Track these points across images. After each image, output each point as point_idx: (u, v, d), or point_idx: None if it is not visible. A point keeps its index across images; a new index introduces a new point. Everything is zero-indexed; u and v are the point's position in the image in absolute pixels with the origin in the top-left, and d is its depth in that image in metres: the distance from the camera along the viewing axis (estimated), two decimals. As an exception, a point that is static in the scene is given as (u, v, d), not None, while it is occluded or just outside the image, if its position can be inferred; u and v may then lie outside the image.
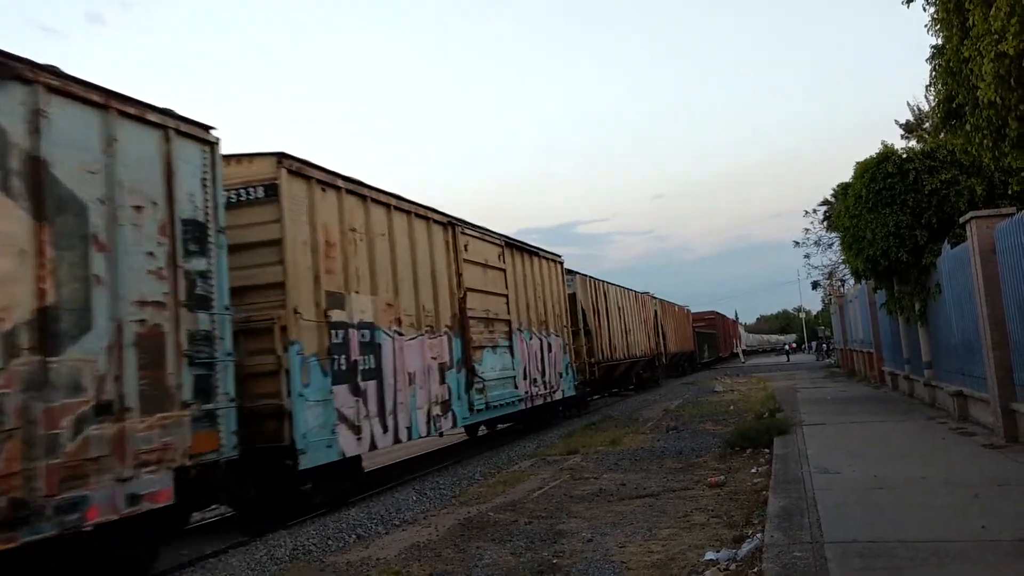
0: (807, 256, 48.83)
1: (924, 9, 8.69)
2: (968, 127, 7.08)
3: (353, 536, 9.10)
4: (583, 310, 24.61)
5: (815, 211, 45.22)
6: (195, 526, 10.49)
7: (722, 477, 10.47)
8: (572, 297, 23.33)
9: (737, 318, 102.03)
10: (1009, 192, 12.92)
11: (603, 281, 28.26)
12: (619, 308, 29.53)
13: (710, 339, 61.26)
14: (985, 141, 6.88)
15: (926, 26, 8.37)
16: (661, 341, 37.86)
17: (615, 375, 29.23)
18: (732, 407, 21.13)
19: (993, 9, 5.60)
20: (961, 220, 11.82)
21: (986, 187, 13.95)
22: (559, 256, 22.08)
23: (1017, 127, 5.94)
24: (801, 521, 6.97)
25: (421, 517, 9.84)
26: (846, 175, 17.66)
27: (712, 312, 67.43)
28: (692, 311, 60.88)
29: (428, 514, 10.00)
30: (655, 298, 38.13)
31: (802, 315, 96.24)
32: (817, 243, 46.47)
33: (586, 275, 25.98)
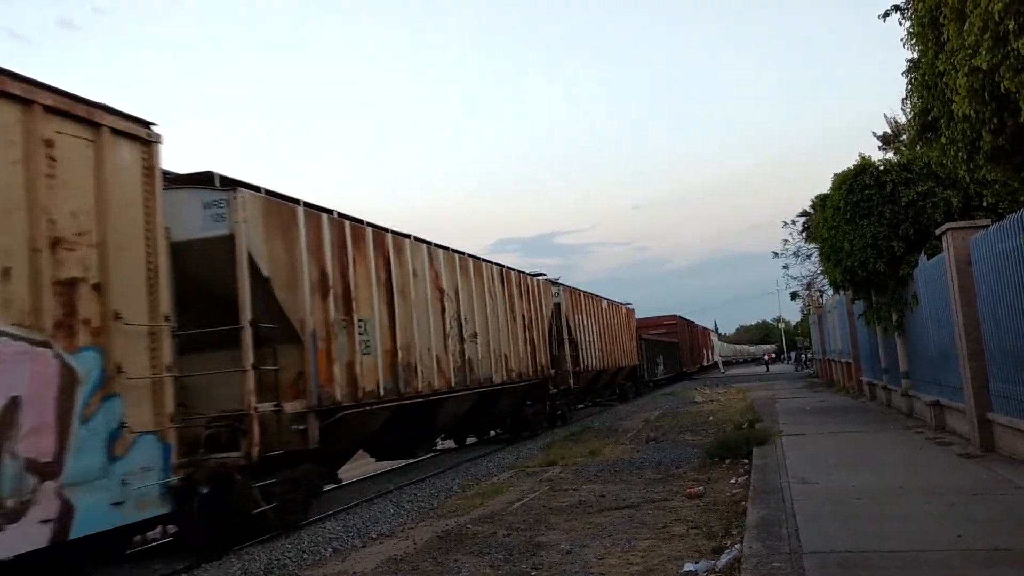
0: (786, 267, 49.40)
1: (900, 23, 8.78)
2: (943, 140, 7.15)
3: (329, 549, 9.02)
4: (269, 280, 10.24)
5: (794, 222, 45.69)
6: (166, 541, 10.37)
7: (701, 488, 10.47)
8: (224, 247, 9.86)
9: (716, 328, 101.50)
10: (984, 204, 13.06)
11: (373, 227, 13.21)
12: (450, 295, 15.56)
13: (668, 350, 48.77)
14: (960, 154, 6.95)
15: (902, 40, 8.46)
16: (566, 353, 24.03)
17: (435, 425, 15.54)
18: (711, 418, 21.18)
19: (967, 24, 5.66)
20: (937, 231, 11.92)
21: (962, 199, 14.09)
22: (140, 125, 8.44)
23: (991, 140, 6.00)
24: (780, 531, 6.97)
25: (399, 530, 9.77)
26: (825, 186, 17.81)
27: (673, 316, 55.55)
28: (653, 314, 53.12)
29: (406, 527, 9.93)
30: (557, 284, 24.80)
31: (781, 326, 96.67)
32: (796, 254, 46.97)
33: (293, 201, 11.20)
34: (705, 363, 71.04)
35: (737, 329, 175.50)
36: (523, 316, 20.25)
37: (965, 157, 6.80)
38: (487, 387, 17.06)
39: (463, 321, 15.97)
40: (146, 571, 8.75)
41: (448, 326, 15.18)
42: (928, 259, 13.38)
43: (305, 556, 8.75)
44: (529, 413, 20.69)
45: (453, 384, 15.03)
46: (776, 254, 48.84)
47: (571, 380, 24.31)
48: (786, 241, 48.33)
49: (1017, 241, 8.85)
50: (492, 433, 20.77)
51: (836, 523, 7.16)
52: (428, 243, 15.20)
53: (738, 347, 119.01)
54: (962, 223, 11.51)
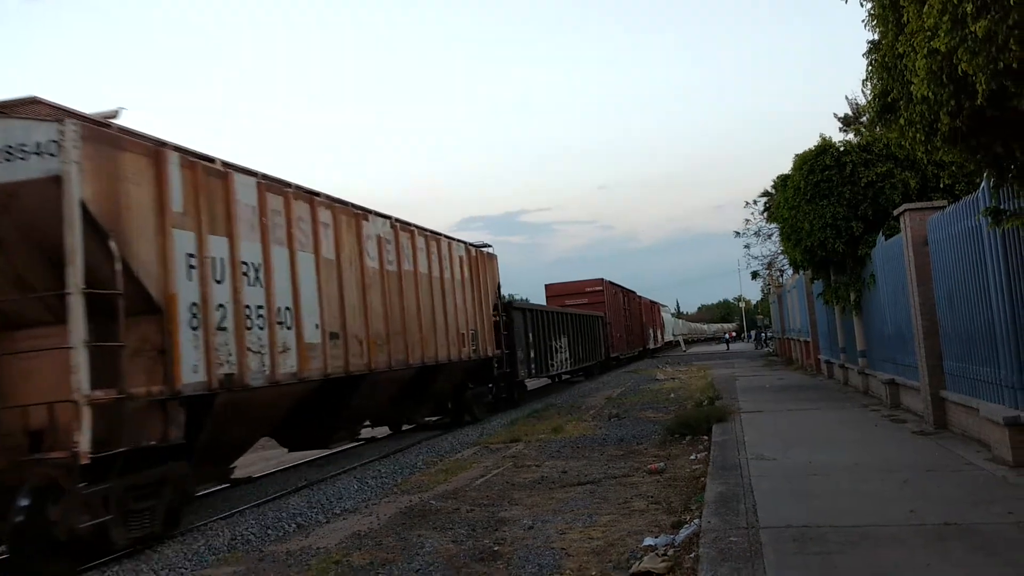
0: (747, 246, 49.88)
1: (861, 5, 8.83)
2: (902, 121, 7.22)
3: (293, 525, 9.02)
4: None
5: (755, 202, 45.96)
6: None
7: (662, 464, 10.60)
8: None
9: (678, 308, 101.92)
10: (941, 185, 13.27)
11: None
12: None
13: (583, 329, 32.55)
14: (918, 135, 7.03)
15: (863, 21, 8.52)
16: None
17: None
18: (673, 395, 21.39)
19: (926, 7, 5.71)
20: (895, 212, 12.11)
21: (919, 180, 14.32)
22: None
23: (948, 122, 6.08)
24: (737, 507, 7.09)
25: (362, 506, 9.79)
26: (787, 167, 17.99)
27: (598, 281, 40.18)
28: (580, 280, 40.16)
29: (369, 503, 9.95)
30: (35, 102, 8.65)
31: (742, 305, 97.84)
32: (757, 234, 47.24)
33: None
34: (652, 345, 58.10)
35: (699, 308, 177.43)
36: None
37: (923, 139, 6.89)
38: None
39: None
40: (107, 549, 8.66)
41: None
42: (886, 239, 13.59)
43: (269, 532, 8.75)
44: None
45: None
46: (738, 234, 49.12)
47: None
48: (748, 221, 48.56)
49: (972, 222, 9.02)
50: None
51: (793, 499, 7.29)
52: None
53: (694, 325, 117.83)
54: (919, 204, 11.71)
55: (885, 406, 13.87)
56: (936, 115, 6.15)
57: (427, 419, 18.34)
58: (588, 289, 39.26)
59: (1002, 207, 7.67)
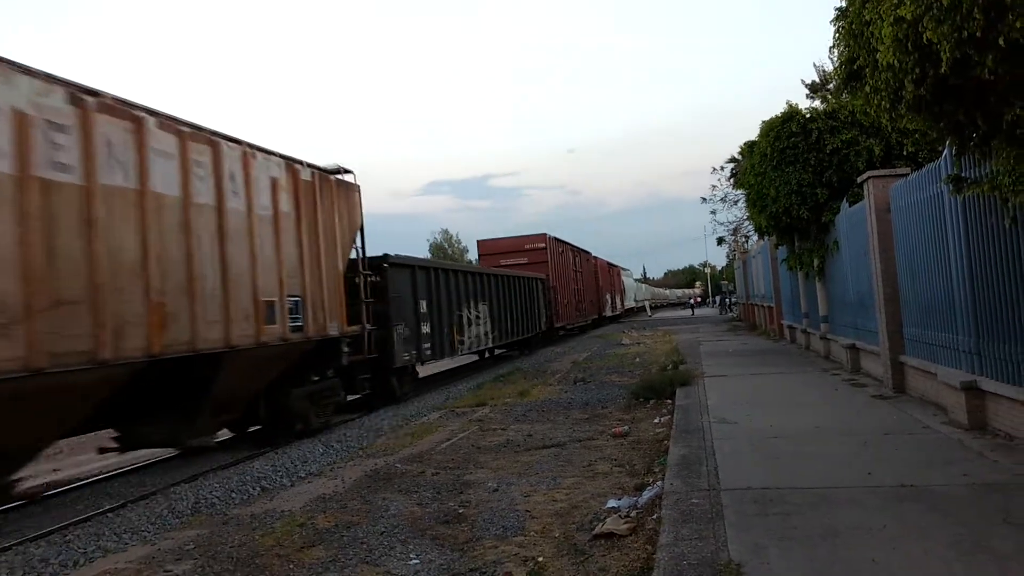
0: (714, 212, 50.06)
1: (830, -29, 8.82)
2: (868, 88, 7.24)
3: (257, 488, 9.00)
4: None
5: (722, 168, 46.15)
6: (91, 481, 10.23)
7: (626, 427, 10.69)
8: None
9: (645, 274, 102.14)
10: (904, 153, 13.42)
11: None
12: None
13: (516, 294, 26.72)
14: (883, 103, 7.05)
15: (831, -13, 8.51)
16: None
17: None
18: (638, 359, 21.57)
19: (894, -27, 5.71)
20: (859, 179, 12.21)
21: (884, 147, 14.43)
22: None
23: (913, 90, 6.10)
24: (700, 469, 7.18)
25: (327, 469, 9.80)
26: (754, 133, 18.03)
27: (540, 237, 33.88)
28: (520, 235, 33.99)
29: (334, 466, 9.96)
30: None
31: (707, 270, 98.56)
32: (723, 200, 47.52)
33: None
34: (609, 312, 51.67)
35: (665, 273, 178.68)
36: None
37: (888, 106, 6.91)
38: None
39: None
40: (68, 511, 8.61)
41: None
42: (850, 206, 13.71)
43: (233, 495, 8.73)
44: None
45: None
46: (704, 199, 49.39)
47: None
48: (714, 187, 48.97)
49: (934, 190, 9.12)
50: None
51: (754, 461, 7.39)
52: None
53: (657, 290, 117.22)
54: (883, 171, 11.81)
55: (846, 370, 14.09)
56: (901, 83, 6.17)
57: (204, 439, 10.70)
58: (528, 247, 32.93)
59: (963, 175, 7.77)
